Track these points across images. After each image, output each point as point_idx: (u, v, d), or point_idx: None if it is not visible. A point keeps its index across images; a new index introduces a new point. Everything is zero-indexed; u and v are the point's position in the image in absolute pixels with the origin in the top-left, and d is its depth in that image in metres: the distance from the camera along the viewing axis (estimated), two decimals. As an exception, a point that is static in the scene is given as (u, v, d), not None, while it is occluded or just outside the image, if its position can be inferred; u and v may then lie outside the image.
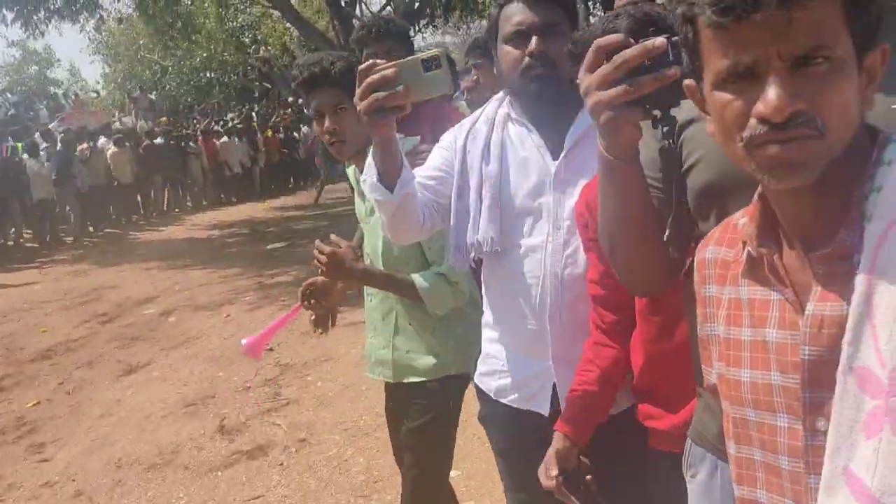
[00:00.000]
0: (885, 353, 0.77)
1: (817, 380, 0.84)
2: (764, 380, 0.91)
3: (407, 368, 2.29)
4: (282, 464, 3.93)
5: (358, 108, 1.47)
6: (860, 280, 0.80)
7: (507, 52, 1.78)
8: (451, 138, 1.92)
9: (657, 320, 1.55)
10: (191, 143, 16.11)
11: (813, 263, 0.86)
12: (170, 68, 23.91)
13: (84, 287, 9.13)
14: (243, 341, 2.58)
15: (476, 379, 2.03)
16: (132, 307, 7.91)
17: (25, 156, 12.10)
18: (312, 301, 2.50)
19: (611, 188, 1.17)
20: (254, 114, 21.04)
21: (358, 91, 1.46)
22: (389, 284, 2.23)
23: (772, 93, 0.78)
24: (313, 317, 2.56)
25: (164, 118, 19.39)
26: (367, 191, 1.68)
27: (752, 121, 0.80)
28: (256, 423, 4.47)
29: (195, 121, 20.02)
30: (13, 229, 12.16)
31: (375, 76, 1.44)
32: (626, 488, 1.67)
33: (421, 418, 2.29)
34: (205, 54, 22.48)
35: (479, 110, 1.95)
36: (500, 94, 1.94)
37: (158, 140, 15.24)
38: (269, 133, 18.12)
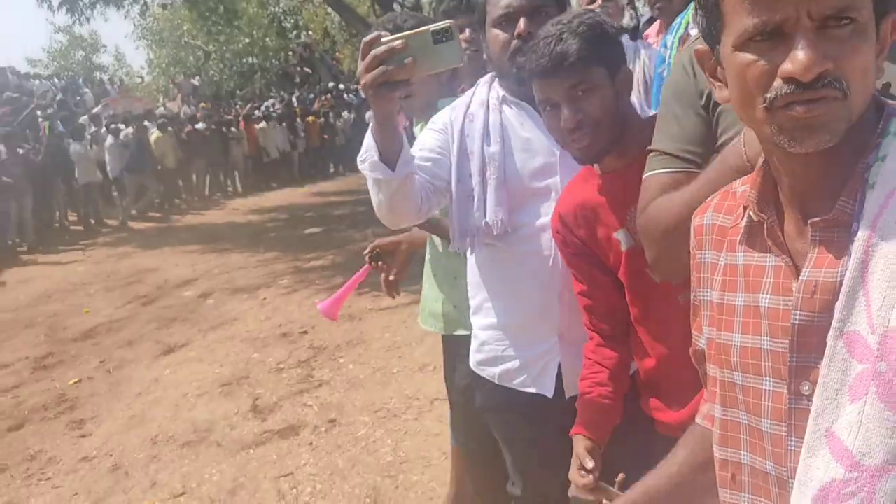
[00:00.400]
0: (876, 319, 0.77)
1: (805, 345, 0.85)
2: (754, 344, 0.92)
3: (456, 322, 2.29)
4: (311, 443, 3.99)
5: (362, 81, 1.44)
6: (857, 246, 0.80)
7: (495, 35, 1.78)
8: (445, 120, 1.90)
9: (651, 326, 1.57)
10: (232, 129, 16.30)
11: (811, 230, 0.86)
12: (213, 53, 24.22)
13: (126, 269, 9.34)
14: (319, 305, 2.61)
15: (475, 368, 2.01)
16: (172, 289, 8.08)
17: (70, 140, 12.38)
18: (380, 262, 2.52)
19: None
20: (294, 99, 21.21)
21: (363, 63, 1.43)
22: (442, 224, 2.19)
23: (801, 51, 0.77)
24: (385, 278, 2.54)
25: (206, 103, 19.65)
26: (367, 170, 1.64)
27: (778, 81, 0.79)
28: (288, 404, 4.54)
29: (237, 106, 20.28)
30: (58, 212, 12.46)
31: (382, 48, 1.40)
32: (630, 470, 1.67)
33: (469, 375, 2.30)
34: (247, 39, 22.75)
35: (469, 93, 1.94)
36: (487, 77, 1.93)
37: (200, 125, 15.47)
38: (311, 119, 18.24)
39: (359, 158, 1.67)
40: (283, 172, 17.24)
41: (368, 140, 1.63)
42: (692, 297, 1.07)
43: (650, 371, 1.62)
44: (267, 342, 5.82)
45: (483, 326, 1.98)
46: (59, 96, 16.98)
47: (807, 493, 0.82)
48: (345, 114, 19.43)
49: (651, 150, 1.38)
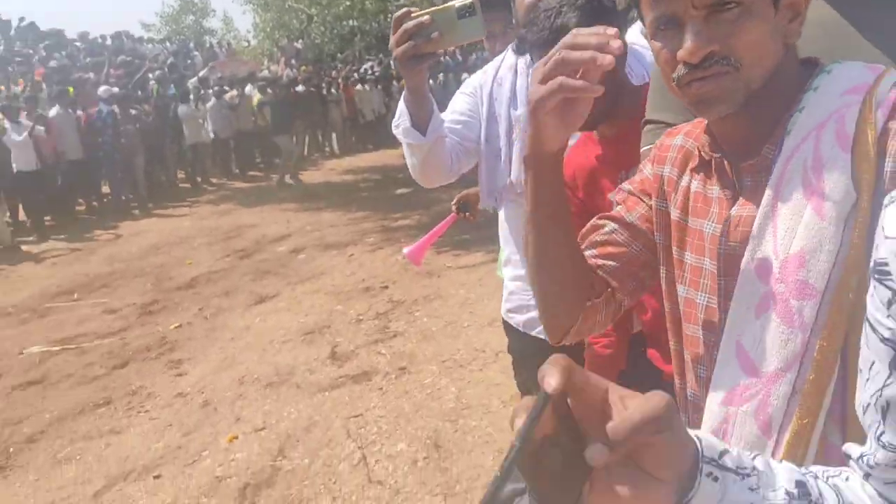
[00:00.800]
0: (780, 246, 0.90)
1: (730, 269, 0.97)
2: (698, 263, 1.04)
3: None
4: (381, 388, 4.25)
5: (394, 53, 1.59)
6: (770, 183, 0.92)
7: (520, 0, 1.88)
8: (475, 84, 2.03)
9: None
10: (332, 91, 16.71)
11: (741, 173, 0.98)
12: (315, 17, 24.68)
13: (227, 225, 9.88)
14: (405, 250, 2.81)
15: (504, 315, 2.16)
16: (267, 244, 8.53)
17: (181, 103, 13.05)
18: (466, 213, 2.71)
19: None
20: (391, 62, 21.42)
21: (393, 38, 1.55)
22: None
23: (688, 39, 0.89)
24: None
25: (306, 66, 20.13)
26: (400, 136, 1.80)
27: (679, 64, 0.92)
28: (364, 352, 4.82)
29: (337, 68, 20.69)
30: (168, 171, 13.21)
31: (411, 23, 1.51)
32: None
33: None
34: (347, 2, 23.06)
35: (499, 58, 2.04)
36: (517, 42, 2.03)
37: (300, 88, 15.94)
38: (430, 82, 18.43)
39: (393, 124, 1.83)
40: (379, 134, 17.59)
41: (401, 107, 1.78)
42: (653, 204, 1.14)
43: (648, 324, 1.73)
44: (350, 295, 6.12)
45: (511, 277, 2.13)
46: (169, 60, 17.82)
47: (717, 396, 0.96)
48: (440, 76, 19.53)
49: (647, 122, 1.44)
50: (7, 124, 9.74)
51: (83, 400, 4.60)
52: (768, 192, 0.92)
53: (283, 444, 3.72)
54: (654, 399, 0.60)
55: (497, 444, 3.49)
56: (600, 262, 1.14)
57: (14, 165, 9.74)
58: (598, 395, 0.60)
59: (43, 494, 3.54)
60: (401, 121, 1.78)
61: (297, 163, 13.77)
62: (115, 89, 12.27)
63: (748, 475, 0.64)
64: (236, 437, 3.86)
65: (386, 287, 6.23)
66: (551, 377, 0.58)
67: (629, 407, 0.59)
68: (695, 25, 0.89)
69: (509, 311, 2.14)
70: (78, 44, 21.34)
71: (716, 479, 0.62)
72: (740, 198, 0.98)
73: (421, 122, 1.76)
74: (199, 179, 13.34)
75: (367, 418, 3.91)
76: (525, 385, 2.20)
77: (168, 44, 23.72)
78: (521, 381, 2.21)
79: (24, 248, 9.43)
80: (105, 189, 11.91)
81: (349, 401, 4.15)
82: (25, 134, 9.69)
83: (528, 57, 1.99)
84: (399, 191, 11.08)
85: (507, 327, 2.17)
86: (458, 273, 6.37)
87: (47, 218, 10.51)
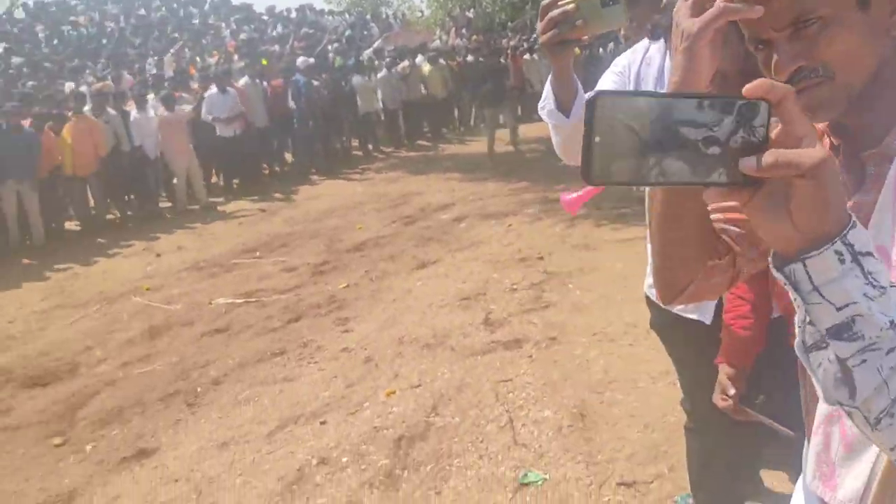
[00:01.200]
0: None
1: None
2: None
3: None
4: (531, 356, 4.37)
5: (540, 40, 1.69)
6: (891, 174, 0.95)
7: None
8: (625, 63, 2.06)
9: None
10: (501, 60, 16.82)
11: (865, 161, 1.01)
12: (487, -15, 24.84)
13: (395, 192, 10.32)
14: (562, 196, 2.87)
15: (646, 290, 2.21)
16: (432, 212, 8.84)
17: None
18: None
19: None
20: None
21: (540, 25, 1.65)
22: None
23: (775, 58, 0.95)
24: None
25: (478, 35, 20.33)
26: (545, 117, 1.89)
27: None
28: (516, 320, 4.96)
29: (507, 38, 20.74)
30: (343, 139, 13.91)
31: (557, 11, 1.61)
32: (775, 392, 1.80)
33: None
34: (519, -30, 23.00)
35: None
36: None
37: (469, 58, 16.18)
38: (577, 52, 18.18)
39: (539, 105, 1.92)
40: (546, 104, 17.50)
41: (547, 89, 1.88)
42: None
43: (787, 308, 1.72)
44: (506, 264, 6.27)
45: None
46: (347, 32, 18.60)
47: None
48: (611, 45, 19.09)
49: None
50: (214, 89, 10.68)
51: (261, 349, 5.07)
52: (888, 182, 0.95)
53: (436, 402, 3.95)
54: (815, 149, 0.68)
55: (643, 418, 3.53)
56: (725, 226, 1.17)
57: (217, 130, 10.69)
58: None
59: (224, 431, 3.98)
60: (546, 102, 1.88)
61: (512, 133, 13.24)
62: (311, 60, 13.01)
63: (873, 284, 0.70)
64: (394, 392, 4.13)
65: (542, 258, 6.32)
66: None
67: (799, 138, 0.68)
68: (780, 45, 0.94)
69: (651, 285, 2.19)
70: (265, 17, 22.77)
71: (842, 260, 0.69)
72: (864, 184, 1.00)
73: (565, 104, 1.83)
74: (370, 147, 13.93)
75: (516, 384, 4.05)
76: (670, 354, 2.24)
77: (347, 16, 24.71)
78: (669, 354, 2.26)
79: (218, 208, 10.39)
80: (288, 157, 12.76)
81: (500, 366, 4.31)
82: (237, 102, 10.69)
83: (661, 41, 2.00)
84: (562, 162, 11.03)
85: (649, 301, 2.22)
86: (616, 247, 6.34)
87: (236, 181, 11.47)
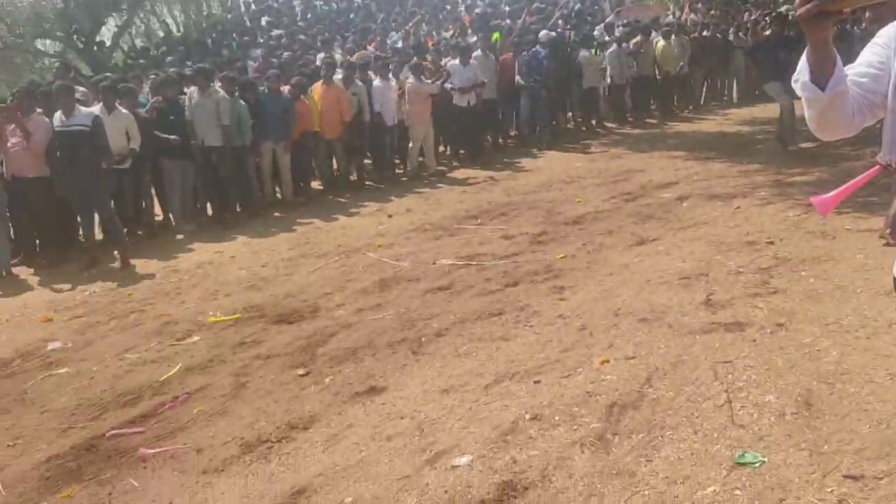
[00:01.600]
0: None
1: None
2: None
3: None
4: (754, 340, 4.22)
5: (798, 11, 1.66)
6: None
7: None
8: (890, 34, 1.92)
9: None
10: (739, 35, 15.93)
11: None
12: (728, -43, 23.46)
13: (616, 168, 10.22)
14: (812, 198, 2.81)
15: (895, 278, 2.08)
16: (652, 190, 8.68)
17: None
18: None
19: None
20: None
21: None
22: None
23: None
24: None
25: (715, 10, 19.34)
26: (798, 90, 1.84)
27: None
28: (739, 303, 4.79)
29: (747, 12, 19.54)
30: (569, 113, 13.93)
31: None
32: None
33: None
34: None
35: None
36: None
37: (706, 33, 15.49)
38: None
39: (793, 78, 1.88)
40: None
41: (802, 61, 1.83)
42: None
43: None
44: (731, 247, 6.05)
45: None
46: (577, 6, 18.45)
47: None
48: (864, 24, 17.34)
49: None
50: (455, 60, 11.22)
51: (480, 308, 5.32)
52: None
53: (650, 375, 3.96)
54: None
55: (876, 414, 3.32)
56: None
57: (454, 99, 11.26)
58: None
59: (445, 379, 4.26)
60: (800, 75, 1.83)
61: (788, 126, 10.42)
62: (553, 33, 13.15)
63: None
64: (608, 361, 4.19)
65: (772, 243, 6.01)
66: None
67: None
68: None
69: None
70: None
71: None
72: None
73: (821, 77, 1.78)
74: (593, 122, 13.83)
75: (736, 366, 3.95)
76: None
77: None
78: None
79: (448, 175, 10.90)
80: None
81: (719, 347, 4.21)
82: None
83: None
84: (801, 145, 10.32)
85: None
86: (858, 237, 5.88)
87: (461, 151, 11.93)
